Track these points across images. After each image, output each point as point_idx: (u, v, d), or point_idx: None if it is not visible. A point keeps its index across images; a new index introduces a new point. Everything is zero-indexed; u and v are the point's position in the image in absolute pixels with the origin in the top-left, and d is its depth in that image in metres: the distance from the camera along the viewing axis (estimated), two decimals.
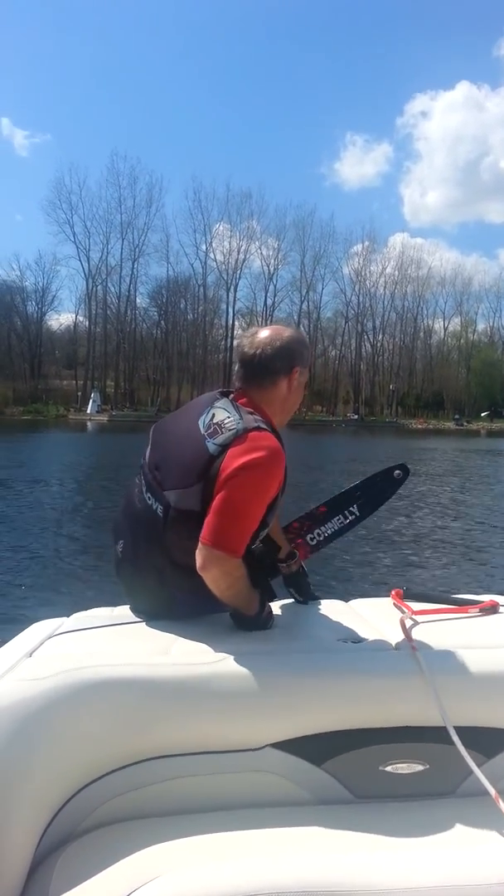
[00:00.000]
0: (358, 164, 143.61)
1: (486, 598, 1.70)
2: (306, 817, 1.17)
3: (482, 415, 75.66)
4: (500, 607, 1.64)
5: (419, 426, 66.86)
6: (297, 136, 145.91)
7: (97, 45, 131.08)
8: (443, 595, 1.74)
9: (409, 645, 1.35)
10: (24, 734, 1.09)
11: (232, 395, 1.67)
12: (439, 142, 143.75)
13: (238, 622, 1.52)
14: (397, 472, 1.85)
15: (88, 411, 59.42)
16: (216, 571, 1.41)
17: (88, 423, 52.16)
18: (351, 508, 1.88)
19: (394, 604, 1.66)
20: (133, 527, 1.62)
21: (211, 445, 1.49)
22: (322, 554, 1.94)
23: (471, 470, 22.23)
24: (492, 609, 1.62)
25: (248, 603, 1.51)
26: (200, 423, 1.57)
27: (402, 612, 1.52)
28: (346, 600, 1.73)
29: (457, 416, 73.15)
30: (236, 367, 1.72)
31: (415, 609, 1.57)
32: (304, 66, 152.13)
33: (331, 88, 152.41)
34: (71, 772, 1.14)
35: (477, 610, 1.61)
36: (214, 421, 1.54)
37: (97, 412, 59.22)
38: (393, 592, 1.71)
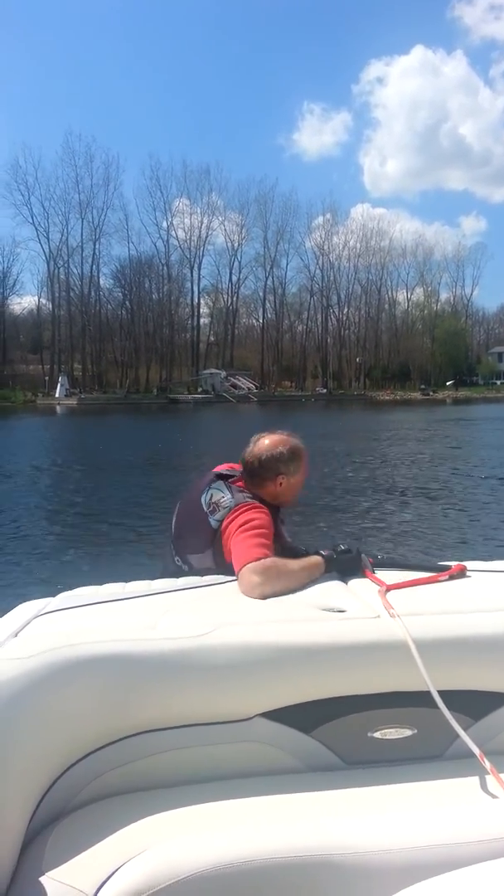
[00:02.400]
0: (317, 134, 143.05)
1: (454, 563, 1.76)
2: (297, 784, 1.20)
3: (447, 384, 76.98)
4: (468, 572, 1.71)
5: (386, 397, 67.87)
6: (254, 108, 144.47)
7: (45, 21, 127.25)
8: (414, 562, 1.82)
9: (391, 613, 1.39)
10: (11, 713, 1.10)
11: (232, 480, 2.04)
12: (397, 108, 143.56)
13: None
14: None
15: (57, 395, 59.07)
16: (255, 579, 1.63)
17: (58, 408, 51.92)
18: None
19: (371, 572, 1.71)
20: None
21: (213, 521, 1.92)
22: (301, 522, 2.29)
23: (437, 439, 23.01)
24: (461, 574, 1.69)
25: (302, 575, 1.69)
26: (203, 501, 1.99)
27: (379, 581, 1.60)
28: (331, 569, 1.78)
29: (423, 386, 74.32)
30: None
31: (389, 577, 1.64)
32: (257, 35, 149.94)
33: (285, 57, 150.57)
34: (61, 748, 1.16)
35: (448, 576, 1.67)
36: (213, 500, 1.96)
37: (66, 396, 58.91)
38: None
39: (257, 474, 2.05)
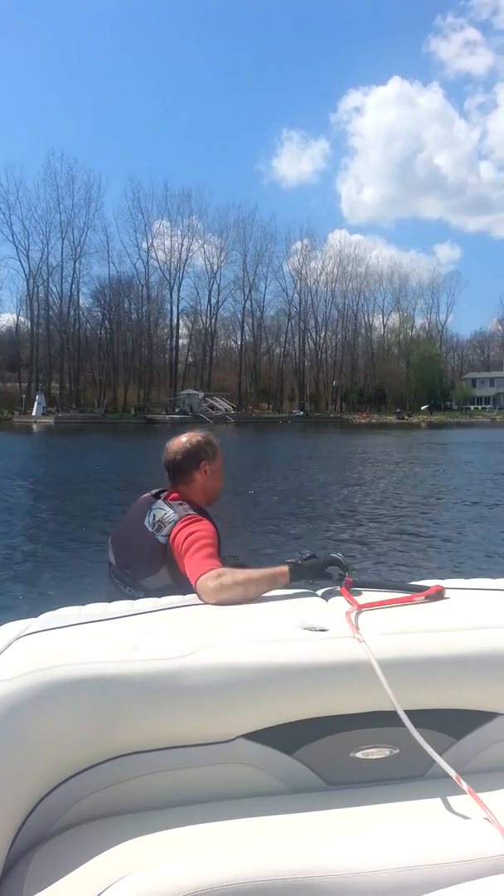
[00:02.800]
0: (296, 161, 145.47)
1: (432, 583, 1.77)
2: (280, 806, 1.20)
3: (422, 408, 78.08)
4: (446, 590, 1.72)
5: (362, 420, 68.72)
6: (235, 134, 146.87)
7: (30, 41, 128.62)
8: (393, 582, 1.83)
9: (357, 637, 1.38)
10: None
11: (164, 494, 2.20)
12: (374, 138, 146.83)
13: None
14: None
15: (34, 414, 58.76)
16: (210, 585, 1.70)
17: (34, 426, 51.65)
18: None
19: (347, 591, 1.69)
20: None
21: (161, 538, 2.01)
22: (286, 544, 2.41)
23: (418, 463, 23.42)
24: (438, 595, 1.68)
25: (261, 582, 1.73)
26: (147, 523, 2.08)
27: (353, 600, 1.60)
28: (315, 589, 1.77)
29: (398, 410, 75.34)
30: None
31: (367, 596, 1.65)
32: (239, 62, 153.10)
33: (266, 85, 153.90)
34: (42, 772, 1.16)
35: (425, 597, 1.66)
36: (157, 519, 2.06)
37: (42, 414, 58.64)
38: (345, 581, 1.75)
39: (183, 468, 2.20)
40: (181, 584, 1.95)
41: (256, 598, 1.70)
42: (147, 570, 2.05)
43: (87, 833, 1.14)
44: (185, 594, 1.92)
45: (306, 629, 1.43)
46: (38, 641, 1.38)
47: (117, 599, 1.95)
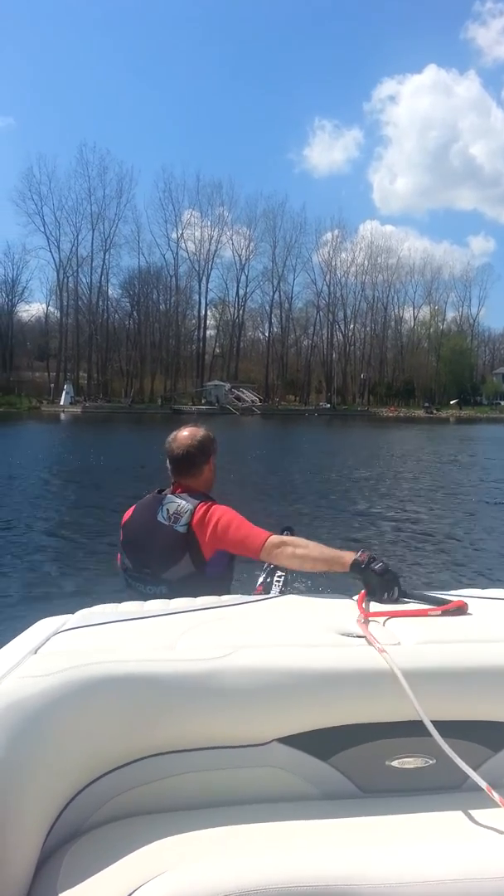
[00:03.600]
0: (327, 150, 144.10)
1: (470, 592, 1.76)
2: (313, 812, 1.20)
3: (451, 402, 77.15)
4: (484, 601, 1.71)
5: (390, 414, 68.05)
6: (266, 122, 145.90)
7: (62, 31, 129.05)
8: (430, 594, 1.77)
9: (378, 647, 1.36)
10: (29, 731, 1.10)
11: (169, 490, 2.26)
12: (408, 127, 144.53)
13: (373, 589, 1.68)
14: (285, 531, 2.51)
15: (62, 403, 59.33)
16: (275, 540, 1.96)
17: (62, 415, 52.14)
18: (278, 577, 2.83)
19: (385, 601, 1.68)
20: None
21: (180, 528, 2.09)
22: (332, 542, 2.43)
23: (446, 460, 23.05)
24: (473, 607, 1.66)
25: (319, 559, 1.87)
26: (161, 519, 2.15)
27: (394, 610, 1.59)
28: (352, 595, 1.76)
29: (427, 404, 74.44)
30: (168, 465, 2.30)
31: (405, 606, 1.64)
32: (271, 50, 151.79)
33: (298, 72, 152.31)
34: (77, 768, 1.17)
35: (461, 608, 1.63)
36: (172, 512, 2.13)
37: (70, 404, 59.18)
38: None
39: (196, 461, 2.26)
40: (203, 572, 2.08)
41: (299, 589, 1.74)
42: (168, 562, 2.10)
43: (120, 830, 1.15)
44: (208, 581, 2.07)
45: (343, 635, 1.42)
46: (74, 638, 1.40)
47: (137, 599, 1.98)
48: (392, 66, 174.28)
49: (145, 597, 2.03)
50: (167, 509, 2.15)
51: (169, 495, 2.22)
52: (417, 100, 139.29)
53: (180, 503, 2.15)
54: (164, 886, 0.96)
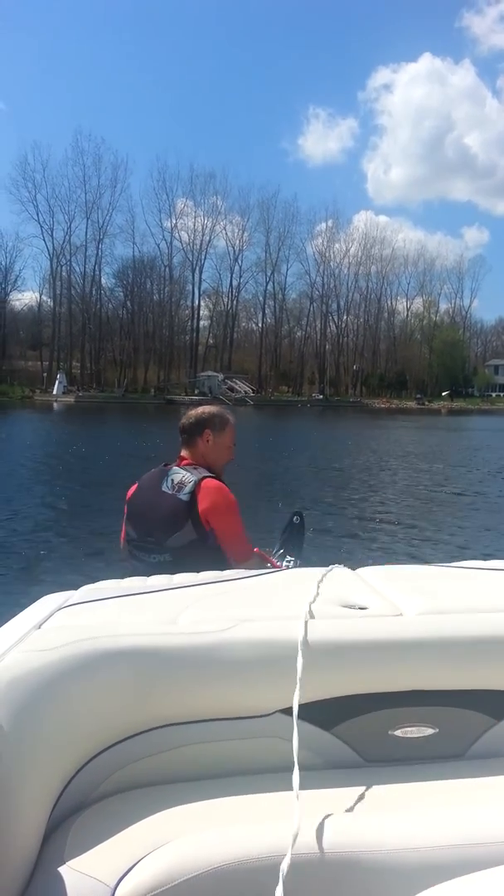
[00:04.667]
0: (322, 140, 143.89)
1: (472, 563, 1.80)
2: (316, 781, 1.19)
3: (443, 394, 77.55)
4: (488, 571, 1.73)
5: (382, 405, 68.38)
6: (261, 111, 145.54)
7: (56, 17, 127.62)
8: (428, 564, 1.83)
9: (395, 614, 1.40)
10: (33, 705, 1.12)
11: (177, 461, 2.47)
12: (402, 116, 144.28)
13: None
14: (295, 517, 2.79)
15: (55, 392, 59.27)
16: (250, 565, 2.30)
17: (55, 405, 52.12)
18: (287, 562, 3.02)
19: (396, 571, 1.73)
20: None
21: (183, 496, 2.26)
22: (329, 523, 2.86)
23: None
24: (477, 574, 1.70)
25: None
26: (165, 488, 2.32)
27: (396, 581, 1.62)
28: (353, 567, 1.77)
29: (419, 396, 74.93)
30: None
31: (406, 577, 1.67)
32: (265, 38, 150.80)
33: (293, 61, 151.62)
34: (81, 741, 1.18)
35: (464, 576, 1.67)
36: (176, 482, 2.31)
37: (63, 393, 59.13)
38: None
39: (190, 432, 2.47)
40: (205, 540, 2.24)
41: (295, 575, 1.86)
42: (171, 529, 2.25)
43: (124, 802, 1.16)
44: (209, 550, 2.24)
45: (345, 606, 1.44)
46: (78, 613, 1.41)
47: (139, 569, 2.18)
48: (387, 54, 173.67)
49: (149, 566, 2.19)
50: (172, 479, 2.33)
51: (175, 467, 2.40)
52: (412, 89, 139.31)
53: (185, 474, 2.32)
54: (169, 855, 0.98)
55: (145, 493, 2.38)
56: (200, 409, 2.56)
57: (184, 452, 2.49)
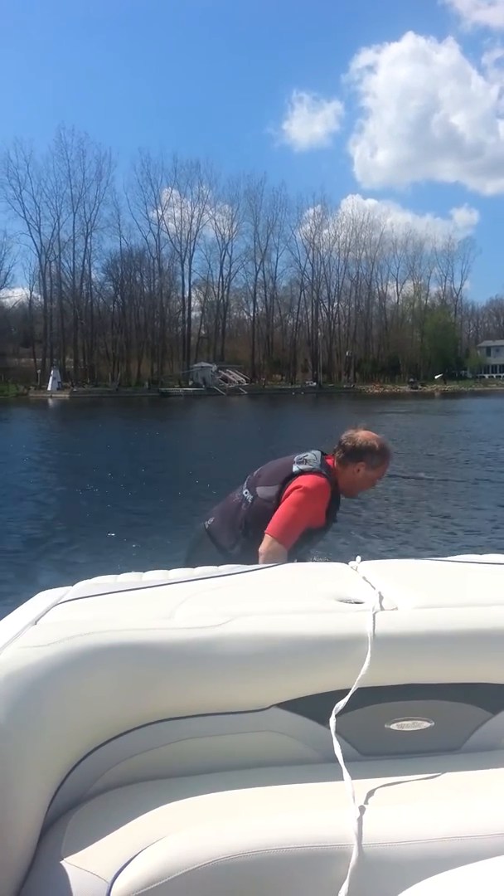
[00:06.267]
0: (307, 124, 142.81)
1: (467, 557, 1.81)
2: (313, 775, 1.20)
3: (436, 377, 77.69)
4: (481, 565, 1.73)
5: (376, 391, 68.50)
6: (243, 96, 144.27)
7: (35, 14, 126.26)
8: (423, 560, 1.82)
9: (391, 608, 1.39)
10: (30, 700, 1.11)
11: (325, 454, 2.61)
12: (387, 97, 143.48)
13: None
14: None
15: (49, 389, 59.27)
16: (270, 556, 2.32)
17: (50, 401, 52.18)
18: None
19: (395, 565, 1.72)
20: (223, 508, 2.72)
21: (295, 466, 2.50)
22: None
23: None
24: (472, 569, 1.70)
25: None
26: (296, 456, 2.56)
27: (391, 576, 1.60)
28: (348, 562, 1.77)
29: (412, 380, 75.05)
30: None
31: (400, 571, 1.67)
32: (244, 23, 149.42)
33: (275, 43, 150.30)
34: (78, 736, 1.18)
35: (459, 570, 1.67)
36: (305, 457, 2.54)
37: (58, 389, 59.12)
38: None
39: (348, 453, 2.55)
40: (276, 500, 2.49)
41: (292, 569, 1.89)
42: (269, 480, 2.55)
43: (122, 797, 1.17)
44: (269, 512, 2.47)
45: (341, 601, 1.44)
46: (74, 609, 1.42)
47: (232, 497, 2.68)
48: (369, 34, 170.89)
49: (237, 495, 2.60)
50: (305, 455, 2.56)
51: (318, 452, 2.60)
52: (396, 69, 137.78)
53: (313, 459, 2.53)
54: (166, 850, 0.98)
55: (284, 458, 2.63)
56: (366, 437, 2.57)
57: (333, 457, 2.60)
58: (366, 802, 1.11)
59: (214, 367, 67.49)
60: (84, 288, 72.35)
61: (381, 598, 1.44)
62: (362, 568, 1.71)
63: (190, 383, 66.45)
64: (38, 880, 1.01)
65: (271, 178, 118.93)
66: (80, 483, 12.02)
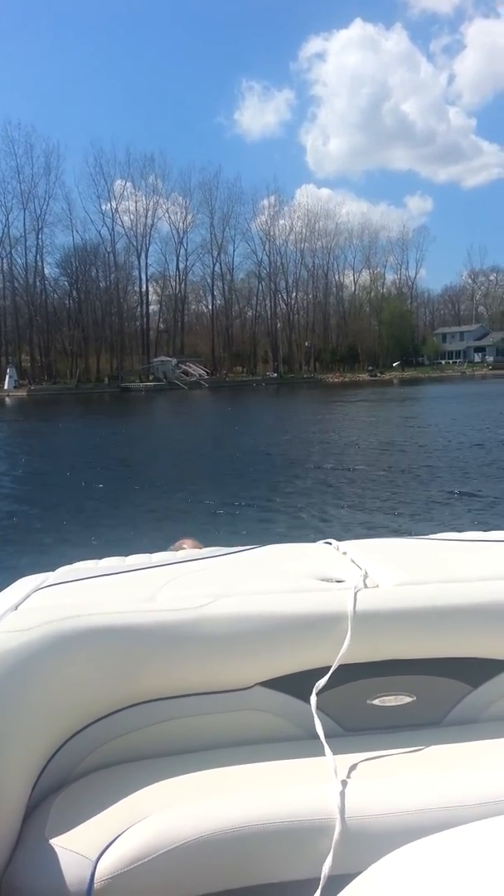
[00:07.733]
0: (259, 114, 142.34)
1: (446, 535, 1.83)
2: (297, 751, 1.21)
3: (394, 365, 78.80)
4: (462, 542, 1.75)
5: (336, 380, 69.07)
6: (193, 87, 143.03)
7: None
8: (405, 537, 1.84)
9: (372, 585, 1.40)
10: (12, 684, 1.11)
11: None
12: (337, 86, 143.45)
13: None
14: None
15: (6, 388, 58.12)
16: None
17: (7, 399, 51.24)
18: None
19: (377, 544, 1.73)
20: None
21: None
22: (310, 496, 2.88)
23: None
24: (452, 546, 1.71)
25: None
26: None
27: (371, 555, 1.60)
28: (329, 542, 1.78)
29: (370, 368, 76.02)
30: None
31: (381, 551, 1.66)
32: (193, 13, 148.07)
33: (222, 33, 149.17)
34: (62, 719, 1.18)
35: (440, 547, 1.68)
36: None
37: (15, 388, 58.05)
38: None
39: None
40: None
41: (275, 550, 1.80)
42: None
43: (106, 778, 1.17)
44: None
45: (322, 580, 1.44)
46: (55, 593, 1.41)
47: None
48: (318, 21, 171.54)
49: None
50: None
51: None
52: (345, 56, 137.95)
53: None
54: (150, 828, 0.99)
55: None
56: None
57: None
58: (348, 777, 1.12)
59: (175, 361, 67.13)
60: (38, 284, 71.29)
61: (362, 575, 1.45)
62: (343, 547, 1.71)
63: (150, 378, 65.98)
64: (22, 861, 1.01)
65: (225, 170, 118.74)
66: (39, 482, 11.93)
